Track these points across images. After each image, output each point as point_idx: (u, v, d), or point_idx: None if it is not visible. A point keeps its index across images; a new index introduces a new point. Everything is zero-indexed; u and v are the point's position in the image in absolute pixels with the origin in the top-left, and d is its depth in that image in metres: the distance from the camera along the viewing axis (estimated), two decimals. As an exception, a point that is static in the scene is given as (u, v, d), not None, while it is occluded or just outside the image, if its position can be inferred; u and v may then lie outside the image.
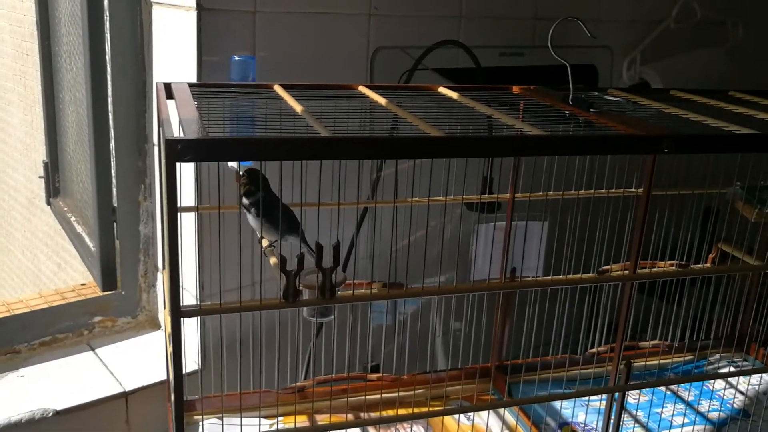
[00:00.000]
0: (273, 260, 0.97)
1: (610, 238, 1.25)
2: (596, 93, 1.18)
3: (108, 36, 1.35)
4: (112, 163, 1.43)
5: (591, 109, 1.04)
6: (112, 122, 1.40)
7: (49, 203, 1.79)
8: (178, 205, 0.79)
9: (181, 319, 0.84)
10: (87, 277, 1.67)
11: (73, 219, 1.66)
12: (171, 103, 0.98)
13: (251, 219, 1.00)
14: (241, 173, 1.00)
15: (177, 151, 0.75)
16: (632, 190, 1.22)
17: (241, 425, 1.13)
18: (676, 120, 1.05)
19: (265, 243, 1.02)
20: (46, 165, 1.75)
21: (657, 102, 1.14)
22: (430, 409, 1.23)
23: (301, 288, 0.89)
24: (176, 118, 0.90)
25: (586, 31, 1.01)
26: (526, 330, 1.30)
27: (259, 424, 1.18)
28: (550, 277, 1.04)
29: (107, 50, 1.36)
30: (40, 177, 1.79)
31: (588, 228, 1.25)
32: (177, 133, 0.83)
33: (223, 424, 1.15)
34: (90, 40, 1.33)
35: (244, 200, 0.98)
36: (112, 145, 1.42)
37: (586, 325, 1.34)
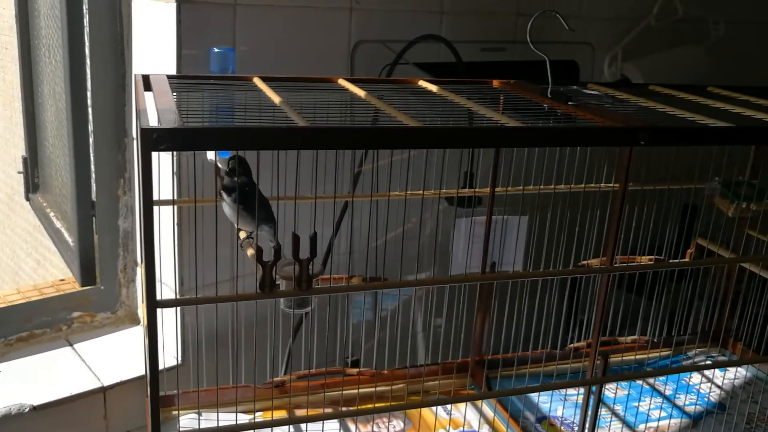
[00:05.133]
0: (250, 251, 0.97)
1: (589, 234, 1.26)
2: (575, 87, 1.19)
3: (87, 29, 1.34)
4: (92, 158, 1.42)
5: (570, 103, 1.04)
6: (92, 116, 1.39)
7: (28, 199, 1.77)
8: (156, 197, 0.79)
9: (159, 311, 0.84)
10: (67, 274, 1.66)
11: (52, 214, 1.65)
12: (149, 96, 0.98)
13: (227, 207, 0.99)
14: (227, 160, 1.00)
15: (152, 140, 0.75)
16: (609, 185, 1.23)
17: (218, 420, 1.12)
18: (654, 113, 1.06)
19: (242, 235, 1.01)
20: (25, 160, 1.73)
21: (636, 96, 1.15)
22: (408, 401, 1.23)
23: (277, 279, 0.88)
24: (154, 109, 0.90)
25: (565, 24, 1.02)
26: (505, 326, 1.30)
27: (236, 420, 1.18)
28: (528, 271, 1.04)
29: (86, 43, 1.35)
30: (19, 172, 1.78)
31: (567, 223, 1.26)
32: (154, 123, 0.82)
33: (200, 420, 1.15)
34: (69, 32, 1.32)
35: (226, 180, 0.98)
36: (92, 139, 1.41)
37: (566, 322, 1.35)
